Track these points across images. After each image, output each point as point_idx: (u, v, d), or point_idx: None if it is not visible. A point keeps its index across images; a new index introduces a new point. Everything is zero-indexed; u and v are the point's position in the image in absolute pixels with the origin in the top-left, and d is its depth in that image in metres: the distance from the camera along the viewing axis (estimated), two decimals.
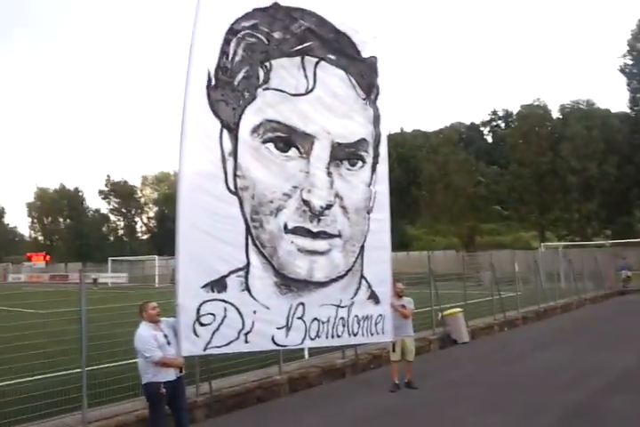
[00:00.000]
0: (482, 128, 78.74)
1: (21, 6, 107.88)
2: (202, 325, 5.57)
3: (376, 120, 7.75)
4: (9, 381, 6.62)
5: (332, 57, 6.83)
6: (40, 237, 79.16)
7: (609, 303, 21.10)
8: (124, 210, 79.09)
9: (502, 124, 76.63)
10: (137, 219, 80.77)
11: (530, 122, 47.08)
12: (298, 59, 6.47)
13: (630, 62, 42.77)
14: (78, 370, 6.13)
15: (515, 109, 60.03)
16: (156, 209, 77.98)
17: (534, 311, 16.27)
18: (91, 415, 6.03)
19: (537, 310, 16.42)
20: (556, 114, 49.77)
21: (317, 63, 6.65)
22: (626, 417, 6.37)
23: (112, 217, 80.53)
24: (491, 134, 77.33)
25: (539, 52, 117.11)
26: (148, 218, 78.69)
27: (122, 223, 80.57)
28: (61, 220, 79.18)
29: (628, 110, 44.38)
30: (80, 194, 79.99)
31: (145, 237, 77.90)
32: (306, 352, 7.89)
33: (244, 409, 7.26)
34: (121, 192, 77.55)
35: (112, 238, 78.53)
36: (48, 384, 6.47)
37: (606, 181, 41.67)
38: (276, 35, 6.25)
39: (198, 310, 5.57)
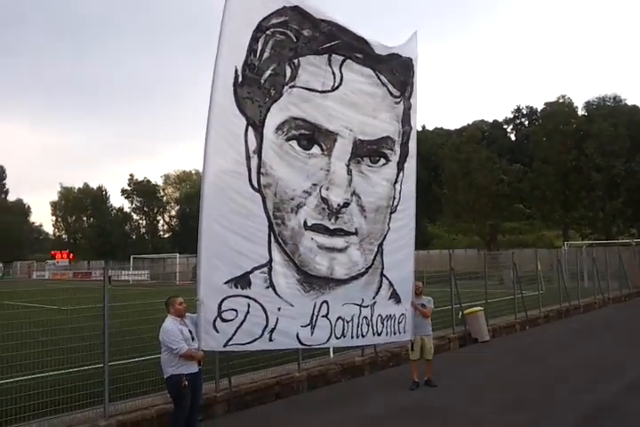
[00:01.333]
0: (505, 126, 77.91)
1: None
2: (224, 320, 5.62)
3: (406, 117, 7.75)
4: (33, 375, 6.76)
5: (359, 55, 6.89)
6: (64, 236, 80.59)
7: (632, 303, 20.74)
8: (146, 209, 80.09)
9: (526, 122, 75.73)
10: (159, 217, 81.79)
11: (554, 119, 46.39)
12: (325, 56, 6.52)
13: None
14: (100, 365, 6.23)
15: (539, 107, 59.43)
16: (177, 208, 78.85)
17: (556, 310, 16.08)
18: (112, 409, 6.12)
19: (559, 309, 16.22)
20: (581, 111, 49.05)
21: (344, 61, 6.71)
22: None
23: (134, 216, 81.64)
24: (514, 132, 76.48)
25: (564, 48, 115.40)
26: (170, 217, 79.63)
27: (144, 222, 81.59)
28: (85, 218, 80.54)
29: None
30: (103, 193, 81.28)
31: (167, 235, 78.85)
32: (331, 351, 7.87)
33: (262, 405, 7.30)
34: (143, 191, 78.52)
35: (134, 237, 79.56)
36: (71, 379, 6.59)
37: (632, 179, 40.90)
38: (306, 32, 6.30)
39: (220, 305, 5.62)
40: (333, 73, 6.65)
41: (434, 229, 58.46)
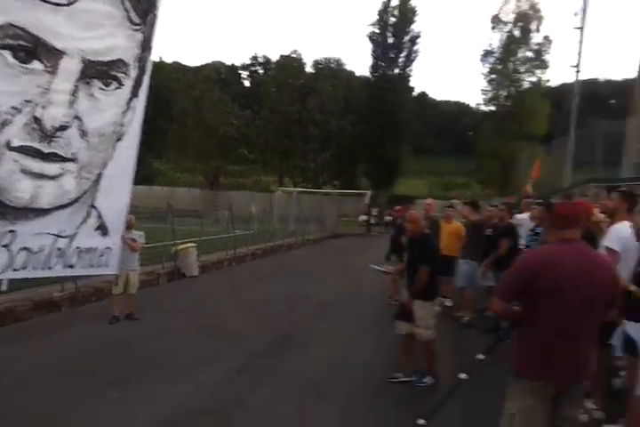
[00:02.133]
0: (241, 72, 79.16)
1: None
2: None
3: (145, 44, 7.17)
4: None
5: None
6: None
7: (326, 244, 23.87)
8: None
9: (261, 71, 78.09)
10: None
11: (286, 72, 48.87)
12: None
13: (378, 31, 47.04)
14: None
15: (274, 58, 61.68)
16: None
17: (262, 249, 17.51)
18: None
19: (264, 248, 17.70)
20: (309, 68, 52.62)
21: None
22: (321, 338, 7.36)
23: None
24: (249, 79, 78.36)
25: (303, 6, 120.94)
26: None
27: None
28: None
29: (369, 75, 49.09)
30: None
31: None
32: (5, 284, 7.06)
33: None
34: None
35: None
36: None
37: (342, 136, 46.16)
38: None
39: None
40: None
41: (159, 165, 57.16)
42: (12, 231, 5.90)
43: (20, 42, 5.52)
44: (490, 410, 3.51)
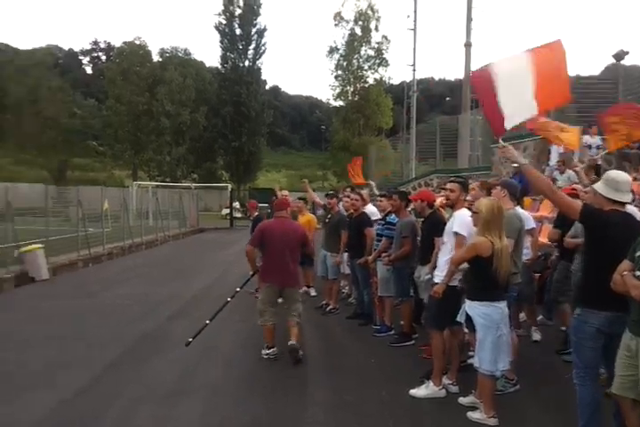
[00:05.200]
0: (81, 57, 73.87)
1: None
2: None
3: None
4: None
5: None
6: None
7: (189, 240, 23.34)
8: None
9: (103, 57, 73.50)
10: None
11: (130, 60, 46.54)
12: None
13: (224, 22, 46.54)
14: None
15: (117, 44, 58.36)
16: None
17: (120, 247, 16.68)
18: None
19: (123, 246, 16.88)
20: (155, 57, 50.61)
21: None
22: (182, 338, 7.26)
23: None
24: (91, 66, 73.41)
25: None
26: None
27: None
28: None
29: (219, 66, 48.46)
30: None
31: None
32: None
33: None
34: None
35: None
36: None
37: (196, 129, 45.15)
38: None
39: None
40: None
41: None
42: None
43: None
44: None
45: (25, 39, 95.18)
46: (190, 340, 6.09)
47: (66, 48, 71.48)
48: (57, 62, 57.37)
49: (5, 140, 45.43)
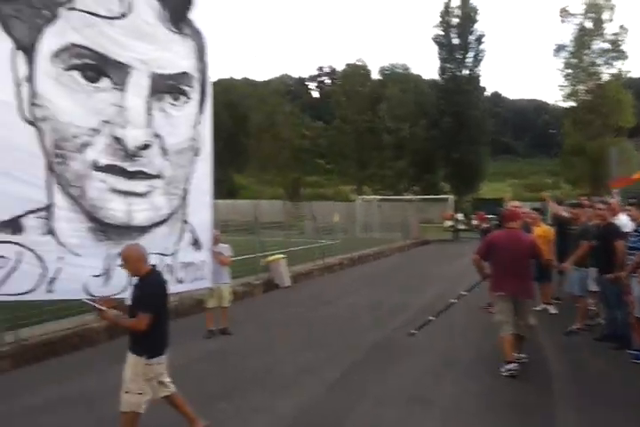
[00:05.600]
0: (308, 83, 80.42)
1: None
2: None
3: (201, 55, 7.29)
4: None
5: None
6: None
7: (413, 251, 23.52)
8: None
9: (328, 81, 78.99)
10: None
11: (352, 81, 49.14)
12: None
13: (442, 33, 46.37)
14: None
15: (340, 67, 62.24)
16: None
17: (350, 258, 17.53)
18: None
19: (352, 257, 17.71)
20: (376, 75, 52.64)
21: None
22: (418, 347, 7.24)
23: None
24: (318, 90, 79.45)
25: (365, 13, 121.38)
26: None
27: None
28: None
29: (438, 78, 48.39)
30: None
31: None
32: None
33: (57, 358, 6.84)
34: None
35: None
36: None
37: (416, 142, 45.60)
38: None
39: None
40: None
41: (241, 179, 58.85)
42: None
43: (86, 60, 5.71)
44: None
45: (261, 71, 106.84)
46: (414, 331, 6.22)
47: (295, 76, 78.58)
48: (289, 90, 63.36)
49: (249, 162, 51.48)
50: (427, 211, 34.57)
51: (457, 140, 43.88)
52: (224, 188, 38.55)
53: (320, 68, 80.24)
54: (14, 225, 5.04)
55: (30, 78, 5.16)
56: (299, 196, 47.09)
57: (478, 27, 45.95)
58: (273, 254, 13.10)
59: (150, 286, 4.24)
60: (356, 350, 7.12)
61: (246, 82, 70.52)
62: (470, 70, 46.24)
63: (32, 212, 5.18)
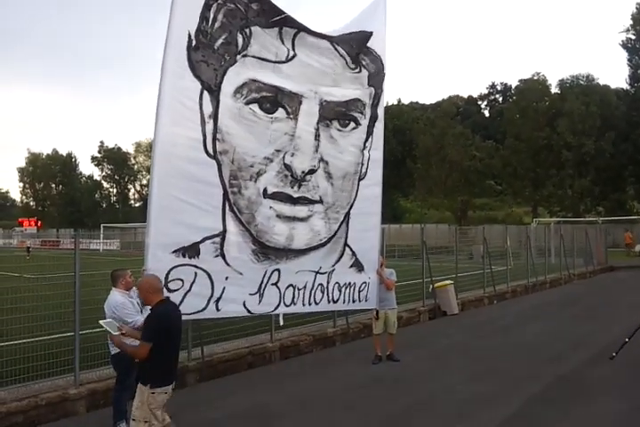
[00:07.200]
0: (479, 102, 78.21)
1: None
2: (169, 291, 5.31)
3: (374, 82, 7.52)
4: (3, 342, 6.65)
5: (311, 28, 6.65)
6: (32, 203, 78.84)
7: (597, 279, 21.36)
8: (116, 177, 78.71)
9: (500, 99, 76.14)
10: (130, 186, 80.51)
11: (528, 97, 46.76)
12: (276, 29, 6.29)
13: (633, 37, 42.13)
14: (71, 333, 6.17)
15: (513, 83, 59.72)
16: (149, 177, 77.49)
17: (523, 285, 16.47)
18: (82, 377, 6.10)
19: (526, 285, 16.62)
20: (554, 89, 49.48)
21: (296, 34, 6.46)
22: (605, 385, 6.51)
23: (105, 184, 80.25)
24: (488, 109, 76.90)
25: (539, 26, 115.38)
26: (141, 185, 78.38)
27: (114, 190, 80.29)
28: (53, 185, 78.78)
29: (627, 86, 44.01)
30: (73, 160, 79.48)
31: (137, 204, 77.75)
32: (281, 319, 7.64)
33: (234, 374, 7.38)
34: (114, 159, 77.05)
35: (104, 205, 78.39)
36: (42, 347, 6.50)
37: (601, 158, 41.64)
38: (254, 6, 6.08)
39: (167, 275, 5.36)
40: (285, 44, 6.44)
41: (406, 203, 58.94)
42: (277, 270, 6.55)
43: (263, 93, 6.23)
44: None
45: (429, 94, 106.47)
46: (614, 354, 5.70)
47: (465, 95, 76.90)
48: (458, 110, 62.27)
49: (415, 186, 51.30)
50: (613, 233, 31.28)
51: None
52: (389, 212, 38.83)
53: (492, 86, 77.74)
54: (193, 250, 5.67)
55: (214, 115, 5.83)
56: (466, 219, 45.65)
57: None
58: (440, 280, 12.81)
59: (156, 316, 4.16)
60: (533, 384, 6.65)
61: (414, 106, 70.91)
62: None
63: (208, 238, 5.81)
